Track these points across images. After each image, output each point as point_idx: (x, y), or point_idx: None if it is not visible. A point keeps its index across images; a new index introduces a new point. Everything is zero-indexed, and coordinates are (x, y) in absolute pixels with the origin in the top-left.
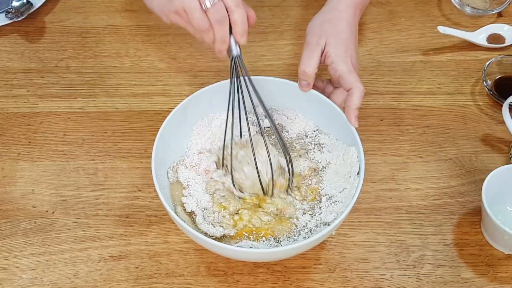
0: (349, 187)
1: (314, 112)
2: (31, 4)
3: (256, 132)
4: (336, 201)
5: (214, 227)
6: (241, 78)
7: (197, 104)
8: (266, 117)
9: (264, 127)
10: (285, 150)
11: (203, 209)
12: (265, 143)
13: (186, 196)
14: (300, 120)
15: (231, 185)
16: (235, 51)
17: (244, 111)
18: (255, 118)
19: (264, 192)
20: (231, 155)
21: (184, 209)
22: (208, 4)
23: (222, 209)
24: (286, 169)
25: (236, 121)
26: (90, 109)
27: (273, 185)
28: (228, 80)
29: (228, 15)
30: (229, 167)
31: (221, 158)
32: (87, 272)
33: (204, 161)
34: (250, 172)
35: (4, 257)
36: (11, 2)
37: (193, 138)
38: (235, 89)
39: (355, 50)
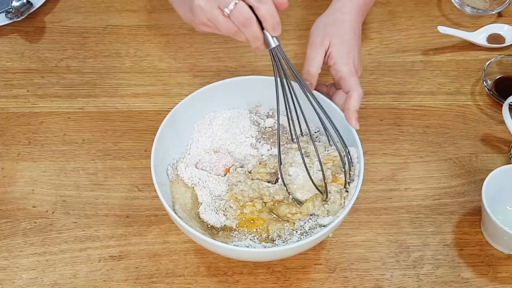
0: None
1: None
2: (31, 4)
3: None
4: (333, 202)
5: (217, 214)
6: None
7: (198, 103)
8: (317, 111)
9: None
10: (338, 143)
11: (213, 197)
12: (314, 146)
13: (199, 188)
14: (301, 121)
15: (282, 188)
16: (272, 43)
17: (294, 108)
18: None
19: (321, 192)
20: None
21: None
22: (227, 11)
23: (233, 199)
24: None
25: (289, 119)
26: (90, 109)
27: (325, 183)
28: (228, 79)
29: (254, 12)
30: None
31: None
32: (87, 272)
33: (223, 159)
34: (299, 174)
35: (4, 257)
36: (11, 2)
37: (194, 136)
38: (278, 83)
39: (358, 52)
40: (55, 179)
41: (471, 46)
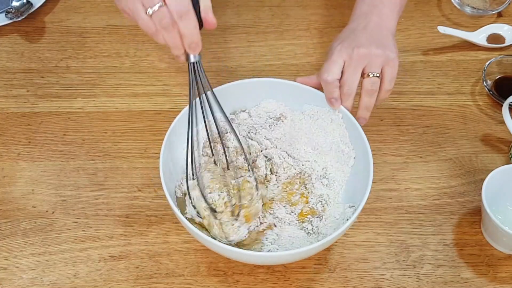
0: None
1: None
2: (31, 4)
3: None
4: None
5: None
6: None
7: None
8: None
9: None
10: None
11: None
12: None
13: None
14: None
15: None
16: (192, 58)
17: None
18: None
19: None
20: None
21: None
22: (150, 11)
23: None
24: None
25: (200, 134)
26: (90, 109)
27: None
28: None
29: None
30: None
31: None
32: (87, 272)
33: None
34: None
35: (4, 257)
36: (11, 2)
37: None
38: (195, 99)
39: (364, 38)
40: (55, 179)
41: (471, 46)
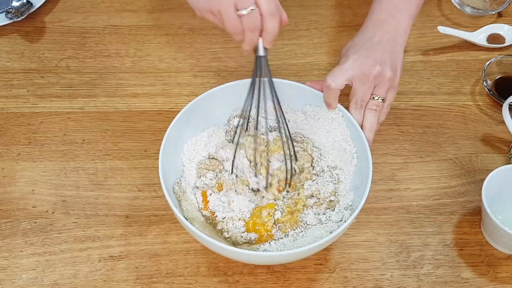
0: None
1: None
2: (31, 4)
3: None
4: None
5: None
6: (261, 79)
7: (190, 122)
8: (279, 118)
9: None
10: (292, 154)
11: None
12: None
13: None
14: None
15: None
16: (262, 51)
17: (258, 111)
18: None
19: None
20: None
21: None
22: (244, 12)
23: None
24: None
25: (251, 117)
26: (90, 109)
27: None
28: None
29: (262, 20)
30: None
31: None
32: (87, 272)
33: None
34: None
35: (4, 257)
36: (11, 2)
37: (184, 161)
38: (255, 87)
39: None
40: (55, 179)
41: (471, 46)
